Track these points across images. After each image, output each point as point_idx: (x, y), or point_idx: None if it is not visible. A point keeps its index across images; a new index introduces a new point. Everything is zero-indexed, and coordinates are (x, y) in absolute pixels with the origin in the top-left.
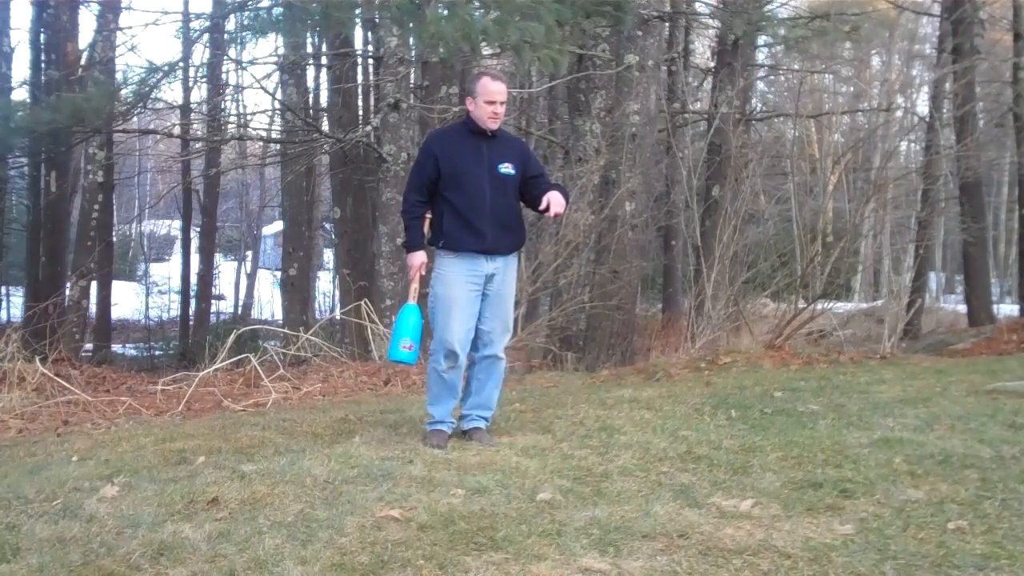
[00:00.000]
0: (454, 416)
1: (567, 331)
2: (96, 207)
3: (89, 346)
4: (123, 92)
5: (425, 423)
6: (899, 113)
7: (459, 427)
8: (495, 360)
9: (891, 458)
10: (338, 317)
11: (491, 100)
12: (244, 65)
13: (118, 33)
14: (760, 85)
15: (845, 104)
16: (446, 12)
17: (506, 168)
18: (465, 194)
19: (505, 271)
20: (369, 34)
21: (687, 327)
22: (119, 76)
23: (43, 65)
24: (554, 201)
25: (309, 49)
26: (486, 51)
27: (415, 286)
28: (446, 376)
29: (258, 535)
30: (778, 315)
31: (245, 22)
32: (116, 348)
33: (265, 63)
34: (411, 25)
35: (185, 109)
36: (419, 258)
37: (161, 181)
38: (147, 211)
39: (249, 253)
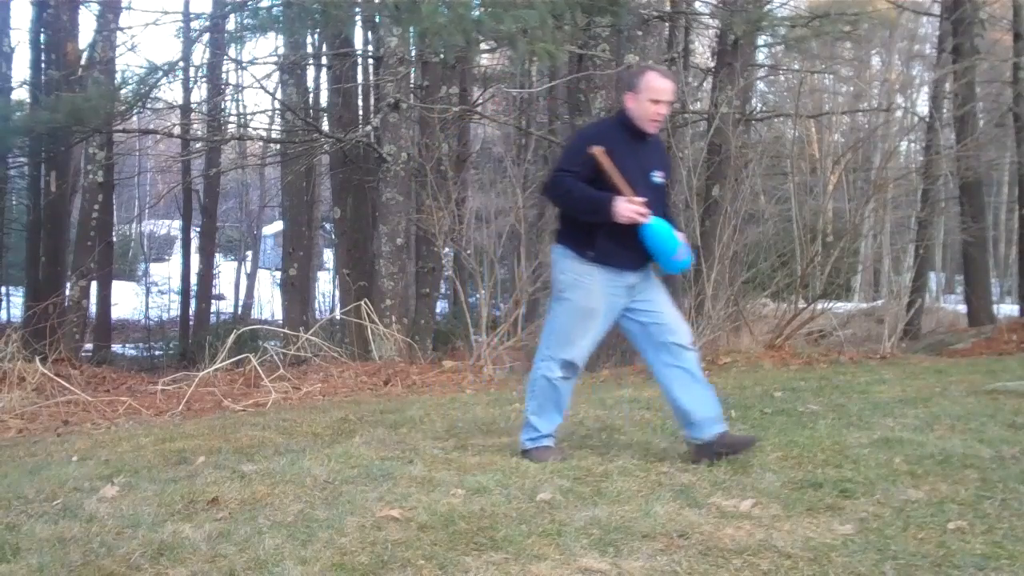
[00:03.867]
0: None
1: None
2: (96, 207)
3: (89, 346)
4: (122, 92)
5: (526, 437)
6: (899, 113)
7: (696, 439)
8: (692, 355)
9: (891, 458)
10: (338, 317)
11: (657, 99)
12: (244, 65)
13: (118, 33)
14: (760, 85)
15: (845, 104)
16: (441, 5)
17: (658, 177)
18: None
19: (645, 276)
20: (369, 34)
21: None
22: (118, 76)
23: (43, 65)
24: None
25: (309, 49)
26: (483, 47)
27: (642, 210)
28: (560, 385)
29: (258, 535)
30: (778, 315)
31: (245, 21)
32: (116, 348)
33: (265, 63)
34: (407, 20)
35: (185, 109)
36: (622, 202)
37: (161, 181)
38: (147, 211)
39: (249, 253)
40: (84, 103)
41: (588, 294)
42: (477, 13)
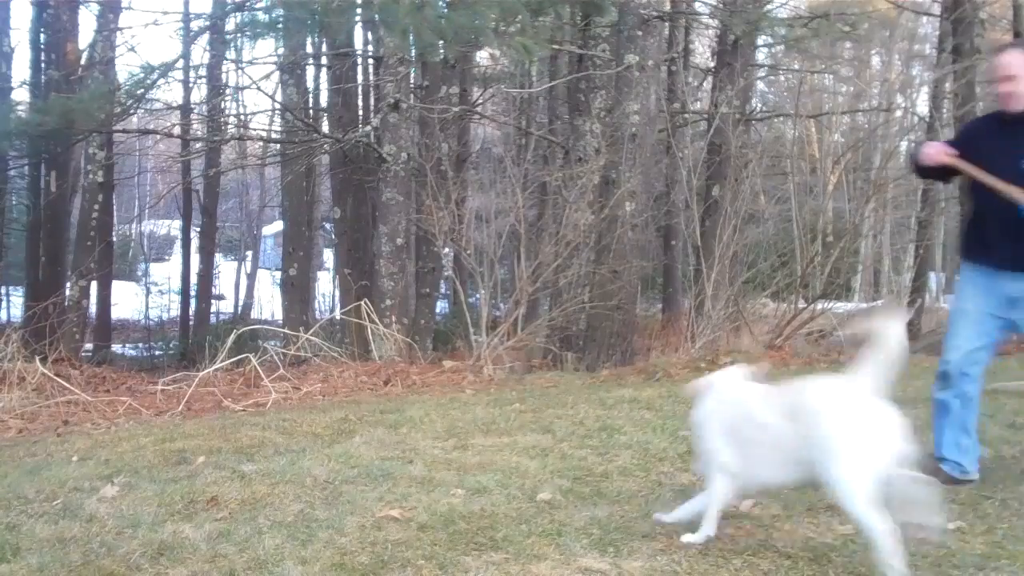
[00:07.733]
0: (969, 461)
1: (567, 331)
2: (96, 207)
3: (89, 346)
4: (117, 94)
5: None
6: (899, 113)
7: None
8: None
9: None
10: (338, 317)
11: (993, 77)
12: (243, 65)
13: (118, 33)
14: (760, 85)
15: (845, 104)
16: (419, 6)
17: None
18: (981, 194)
19: None
20: (369, 34)
21: (687, 327)
22: (114, 78)
23: (43, 65)
24: None
25: (309, 49)
26: (461, 48)
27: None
28: (937, 397)
29: (258, 535)
30: (778, 315)
31: (244, 30)
32: (116, 348)
33: (265, 63)
34: (387, 22)
35: (185, 109)
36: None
37: (161, 181)
38: (147, 211)
39: (249, 253)
40: (76, 105)
41: (959, 295)
42: (440, 11)
